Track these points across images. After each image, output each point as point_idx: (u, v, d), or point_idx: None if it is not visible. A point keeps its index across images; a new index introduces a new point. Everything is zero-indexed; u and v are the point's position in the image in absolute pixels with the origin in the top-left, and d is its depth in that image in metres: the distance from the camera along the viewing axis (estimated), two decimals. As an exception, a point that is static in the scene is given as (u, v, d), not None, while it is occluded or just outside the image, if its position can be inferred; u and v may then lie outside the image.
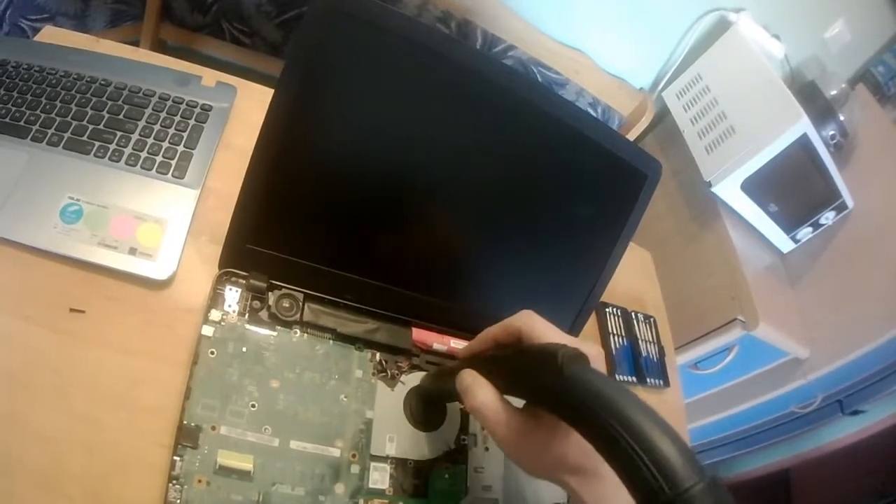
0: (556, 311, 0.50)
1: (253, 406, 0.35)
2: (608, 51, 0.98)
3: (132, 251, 0.39)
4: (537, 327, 0.31)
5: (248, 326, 0.37)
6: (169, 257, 0.39)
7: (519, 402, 0.30)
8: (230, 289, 0.38)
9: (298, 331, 0.39)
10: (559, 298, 0.51)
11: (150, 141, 0.44)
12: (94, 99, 0.44)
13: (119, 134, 0.43)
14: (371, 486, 0.37)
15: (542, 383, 0.26)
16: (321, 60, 0.34)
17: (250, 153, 0.35)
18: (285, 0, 0.91)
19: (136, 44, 0.87)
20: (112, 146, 0.42)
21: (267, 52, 0.98)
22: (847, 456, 1.18)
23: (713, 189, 0.92)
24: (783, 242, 1.04)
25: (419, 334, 0.43)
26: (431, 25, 0.91)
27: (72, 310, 0.36)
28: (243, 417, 0.35)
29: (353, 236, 0.40)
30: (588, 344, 0.30)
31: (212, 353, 0.36)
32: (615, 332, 0.63)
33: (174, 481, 0.31)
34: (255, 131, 0.35)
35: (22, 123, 0.41)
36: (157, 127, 0.45)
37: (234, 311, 0.37)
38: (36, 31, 0.49)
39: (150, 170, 0.43)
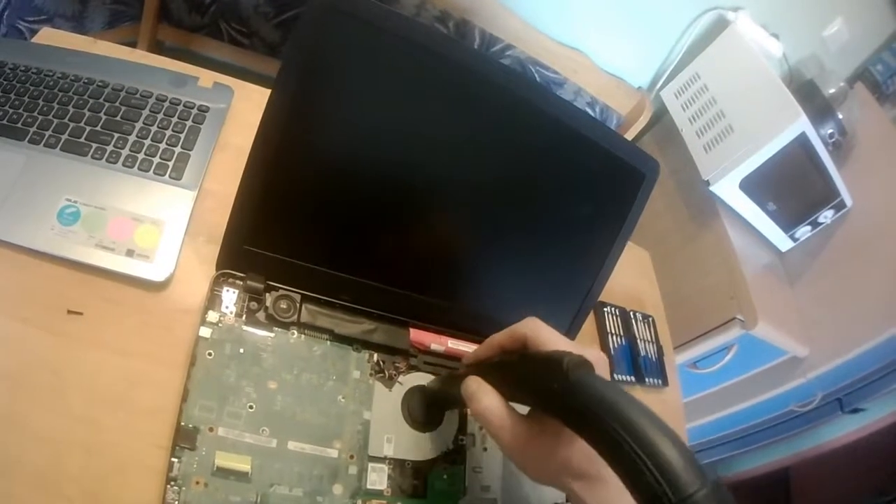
0: (555, 310, 0.51)
1: (251, 407, 0.35)
2: (606, 50, 0.98)
3: (129, 253, 0.39)
4: (542, 334, 0.31)
5: (245, 328, 0.38)
6: (166, 259, 0.39)
7: (523, 409, 0.31)
8: (227, 290, 0.38)
9: (296, 332, 0.39)
10: (557, 298, 0.51)
11: (147, 142, 0.44)
12: (91, 100, 0.44)
13: (116, 135, 0.43)
14: (369, 486, 0.37)
15: (547, 389, 0.26)
16: (318, 60, 0.34)
17: (247, 154, 0.35)
18: (283, 0, 0.91)
19: (133, 45, 0.88)
20: (109, 148, 0.42)
21: (265, 52, 0.98)
22: (846, 454, 1.18)
23: (711, 188, 0.92)
24: (782, 241, 1.04)
25: (417, 335, 0.43)
26: (429, 25, 0.91)
27: (69, 311, 0.36)
28: (241, 419, 0.35)
29: (350, 237, 0.40)
30: (592, 350, 0.31)
31: (209, 354, 0.36)
32: (613, 331, 0.63)
33: (172, 482, 0.31)
34: (253, 132, 0.35)
35: (19, 125, 0.41)
36: (154, 128, 0.45)
37: (231, 313, 0.37)
38: (34, 32, 0.49)
39: (147, 171, 0.43)
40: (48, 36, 0.48)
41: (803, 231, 1.01)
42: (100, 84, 0.45)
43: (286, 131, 0.35)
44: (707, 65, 0.99)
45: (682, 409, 0.66)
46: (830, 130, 0.97)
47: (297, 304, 0.39)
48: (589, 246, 0.49)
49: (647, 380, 0.62)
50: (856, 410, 1.09)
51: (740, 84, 0.92)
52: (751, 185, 0.91)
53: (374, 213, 0.40)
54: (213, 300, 0.37)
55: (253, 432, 0.35)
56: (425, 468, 0.39)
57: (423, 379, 0.43)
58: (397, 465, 0.39)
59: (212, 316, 0.37)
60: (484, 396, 0.30)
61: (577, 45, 0.96)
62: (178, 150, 0.44)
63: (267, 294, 0.38)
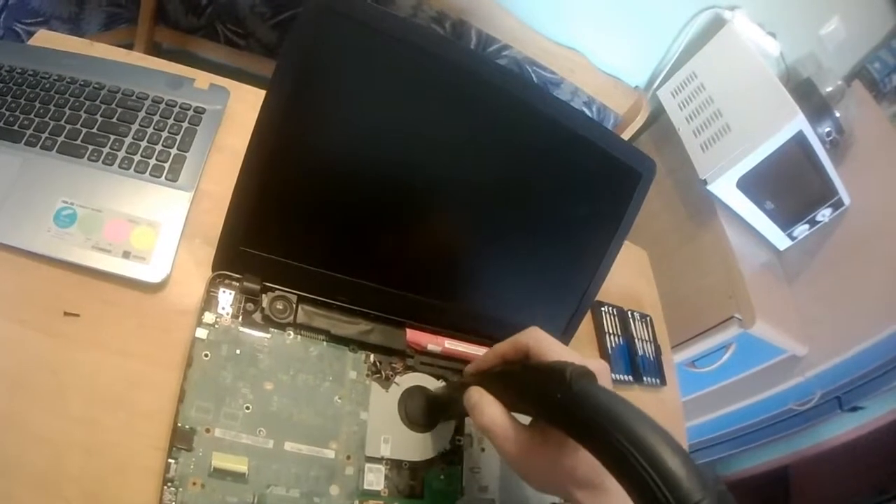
0: (552, 310, 0.51)
1: (247, 408, 0.35)
2: (603, 50, 0.98)
3: (126, 254, 0.39)
4: (544, 344, 0.31)
5: (241, 329, 0.38)
6: (163, 260, 0.39)
7: (525, 419, 0.31)
8: (224, 291, 0.38)
9: (292, 333, 0.39)
10: (554, 298, 0.51)
11: (144, 144, 0.44)
12: (87, 103, 0.44)
13: (112, 137, 0.43)
14: (366, 487, 0.37)
15: (551, 399, 0.26)
16: (314, 61, 0.34)
17: (243, 155, 0.35)
18: (280, 1, 0.91)
19: (130, 47, 0.88)
20: (105, 150, 0.43)
21: (262, 53, 0.98)
22: (846, 453, 1.18)
23: (709, 187, 0.92)
24: (780, 240, 1.04)
25: (413, 335, 0.43)
26: (425, 26, 0.91)
27: (66, 313, 0.36)
28: (237, 420, 0.35)
29: (346, 238, 0.40)
30: (594, 360, 0.31)
31: (206, 355, 0.36)
32: (611, 331, 0.63)
33: (169, 483, 0.31)
34: (249, 133, 0.35)
35: (16, 128, 0.41)
36: (150, 130, 0.45)
37: (227, 314, 0.37)
38: (30, 34, 0.49)
39: (143, 173, 0.43)
40: (45, 38, 0.49)
41: (801, 230, 1.01)
42: (96, 86, 0.45)
43: (282, 132, 0.35)
44: (704, 64, 0.99)
45: (680, 408, 0.66)
46: (828, 129, 0.97)
47: (294, 305, 0.39)
48: (586, 245, 0.49)
49: (645, 379, 0.62)
50: (855, 409, 1.09)
51: (737, 83, 0.93)
52: (748, 184, 0.91)
53: (370, 213, 0.40)
54: (209, 301, 0.37)
55: (250, 433, 0.35)
56: (422, 469, 0.40)
57: (420, 379, 0.43)
58: (394, 465, 0.39)
59: (208, 317, 0.37)
60: (486, 407, 0.30)
61: (573, 45, 0.96)
62: (174, 151, 0.44)
63: (263, 295, 0.39)
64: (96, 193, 0.40)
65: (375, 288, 0.41)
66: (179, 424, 0.33)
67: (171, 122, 0.46)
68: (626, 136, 0.98)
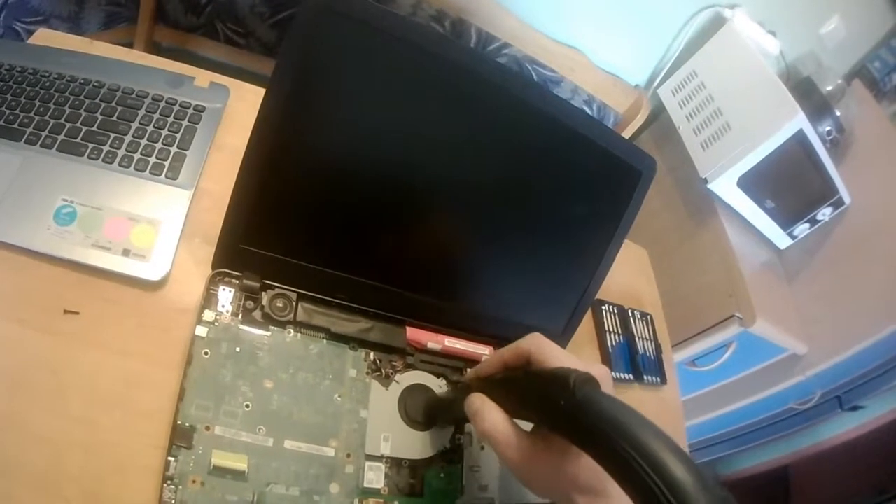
0: (552, 309, 0.51)
1: (247, 406, 0.35)
2: (603, 48, 0.98)
3: (126, 252, 0.39)
4: (546, 350, 0.31)
5: (241, 327, 0.38)
6: (162, 258, 0.39)
7: (526, 425, 0.31)
8: (224, 289, 0.38)
9: (292, 331, 0.39)
10: (555, 296, 0.51)
11: (144, 142, 0.44)
12: (87, 101, 0.44)
13: (112, 136, 0.43)
14: (366, 485, 0.37)
15: (553, 406, 0.26)
16: (313, 60, 0.34)
17: (243, 154, 0.35)
18: (279, 0, 0.91)
19: (130, 45, 0.88)
20: (105, 148, 0.43)
21: (261, 52, 0.98)
22: (846, 452, 1.18)
23: (709, 186, 0.92)
24: (780, 239, 1.04)
25: (413, 333, 0.43)
26: (425, 24, 0.91)
27: (66, 311, 0.36)
28: (237, 418, 0.35)
29: (346, 236, 0.40)
30: (596, 365, 0.31)
31: (205, 353, 0.36)
32: (611, 329, 0.63)
33: (169, 482, 0.31)
34: (249, 132, 0.35)
35: (16, 126, 0.41)
36: (150, 128, 0.45)
37: (227, 312, 0.37)
38: (30, 33, 0.49)
39: (143, 171, 0.43)
40: (45, 37, 0.49)
41: (802, 228, 1.01)
42: (96, 84, 0.45)
43: (281, 131, 0.35)
44: (704, 62, 0.99)
45: (680, 407, 0.66)
46: (828, 127, 0.97)
47: (294, 303, 0.39)
48: (586, 244, 0.49)
49: (645, 378, 0.62)
50: (855, 408, 1.09)
51: (737, 81, 0.93)
52: (749, 183, 0.91)
53: (370, 211, 0.40)
54: (209, 299, 0.37)
55: (249, 431, 0.35)
56: (422, 467, 0.40)
57: (420, 378, 0.43)
58: (394, 463, 0.39)
59: (208, 315, 0.37)
60: (488, 413, 0.30)
61: (573, 44, 0.96)
62: (174, 149, 0.44)
63: (263, 293, 0.39)
64: (96, 191, 0.40)
65: (375, 286, 0.41)
66: (179, 422, 0.33)
67: (171, 120, 0.46)
68: (626, 134, 0.98)
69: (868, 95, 1.09)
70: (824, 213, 0.98)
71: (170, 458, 0.32)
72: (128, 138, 0.44)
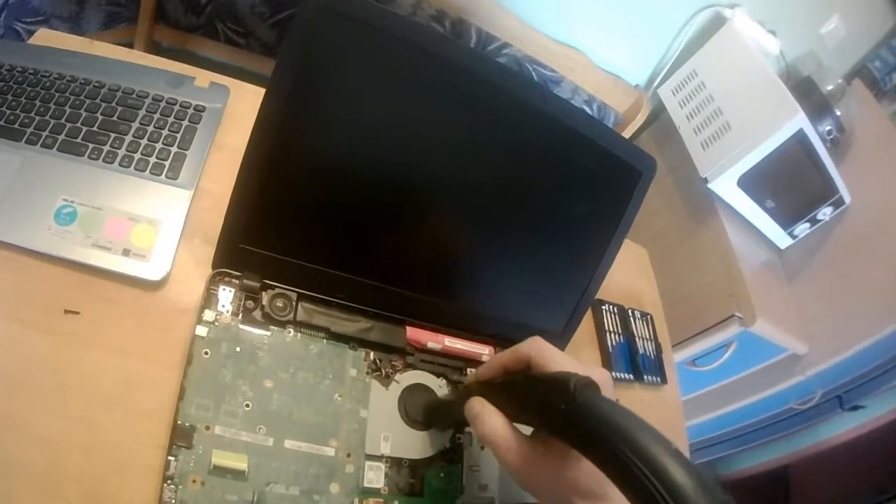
0: (552, 308, 0.51)
1: (247, 406, 0.35)
2: (603, 48, 0.98)
3: (126, 252, 0.39)
4: (546, 354, 0.31)
5: (241, 326, 0.38)
6: (163, 258, 0.39)
7: (526, 429, 0.31)
8: (224, 289, 0.38)
9: (292, 330, 0.39)
10: (555, 296, 0.51)
11: (144, 142, 0.44)
12: (87, 101, 0.44)
13: (113, 136, 0.43)
14: (366, 485, 0.37)
15: (554, 410, 0.26)
16: (313, 60, 0.34)
17: (243, 154, 0.35)
18: (279, 0, 0.91)
19: (130, 45, 0.88)
20: (106, 148, 0.43)
21: (261, 52, 0.98)
22: (846, 452, 1.18)
23: (709, 185, 0.92)
24: (780, 238, 1.04)
25: (413, 333, 0.43)
26: (425, 24, 0.91)
27: (66, 311, 0.36)
28: (237, 417, 0.35)
29: (346, 235, 0.40)
30: (596, 369, 0.31)
31: (206, 353, 0.36)
32: (612, 329, 0.63)
33: (169, 481, 0.31)
34: (249, 132, 0.35)
35: (16, 126, 0.41)
36: (150, 128, 0.45)
37: (227, 312, 0.37)
38: (30, 33, 0.49)
39: (143, 171, 0.43)
40: (45, 37, 0.49)
41: (802, 228, 1.01)
42: (96, 84, 0.45)
43: (281, 130, 0.35)
44: (704, 62, 0.99)
45: (680, 407, 0.66)
46: (828, 127, 0.97)
47: (294, 303, 0.39)
48: (586, 244, 0.49)
49: (645, 378, 0.62)
50: (855, 408, 1.09)
51: (737, 81, 0.93)
52: (749, 183, 0.91)
53: (370, 211, 0.40)
54: (209, 299, 0.37)
55: (249, 431, 0.35)
56: (422, 466, 0.40)
57: (420, 377, 0.43)
58: (394, 463, 0.39)
59: (208, 315, 0.37)
60: (488, 418, 0.30)
61: (574, 44, 0.96)
62: (174, 149, 0.44)
63: (263, 293, 0.39)
64: (96, 191, 0.40)
65: (375, 286, 0.41)
66: (179, 422, 0.33)
67: (171, 120, 0.46)
68: (626, 134, 0.98)
69: (868, 95, 1.09)
70: (824, 213, 0.98)
71: (170, 458, 0.32)
72: (128, 138, 0.44)
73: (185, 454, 0.32)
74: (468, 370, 0.46)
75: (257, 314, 0.38)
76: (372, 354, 0.41)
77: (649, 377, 0.63)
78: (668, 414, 0.64)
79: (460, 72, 0.37)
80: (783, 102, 0.84)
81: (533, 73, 1.02)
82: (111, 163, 0.42)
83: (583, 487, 0.28)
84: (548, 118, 0.41)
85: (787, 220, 1.00)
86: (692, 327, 0.96)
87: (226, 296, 0.38)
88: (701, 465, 1.38)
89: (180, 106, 0.47)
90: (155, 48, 0.94)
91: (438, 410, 0.40)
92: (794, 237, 1.03)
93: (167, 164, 0.43)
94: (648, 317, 0.68)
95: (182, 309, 0.39)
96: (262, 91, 0.34)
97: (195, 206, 0.43)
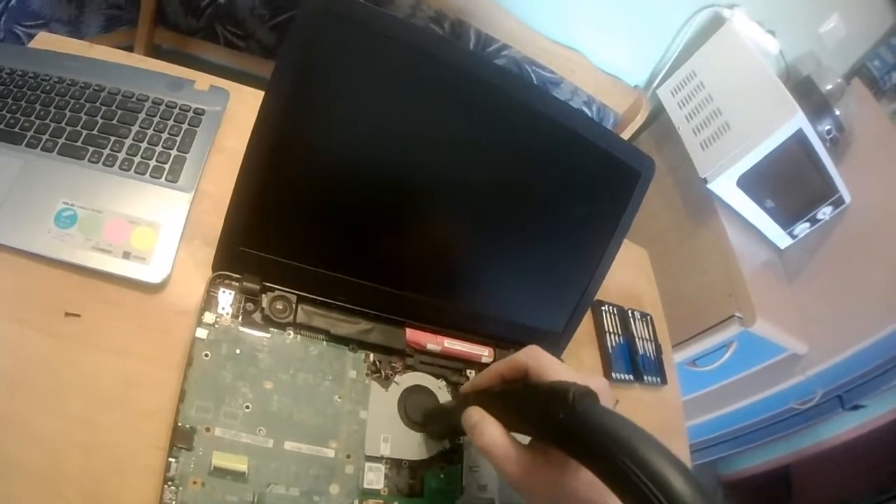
0: (551, 309, 0.51)
1: (247, 407, 0.35)
2: (603, 49, 0.98)
3: (126, 255, 0.39)
4: (544, 363, 0.31)
5: (241, 328, 0.38)
6: (163, 261, 0.40)
7: (523, 438, 0.30)
8: (224, 291, 0.38)
9: (292, 332, 0.39)
10: (554, 297, 0.51)
11: (144, 145, 0.44)
12: (87, 104, 0.45)
13: (113, 139, 0.43)
14: (366, 486, 0.37)
15: (553, 420, 0.26)
16: (312, 62, 0.34)
17: (243, 156, 0.36)
18: (279, 3, 0.91)
19: (130, 49, 0.88)
20: (106, 151, 0.43)
21: (261, 55, 0.98)
22: (847, 452, 1.18)
23: (709, 186, 0.92)
24: (780, 238, 1.04)
25: (413, 334, 0.43)
26: (423, 26, 0.91)
27: (67, 314, 0.36)
28: (237, 419, 0.35)
29: (346, 238, 0.40)
30: (594, 378, 0.31)
31: (206, 355, 0.36)
32: (611, 330, 0.63)
33: (169, 482, 0.31)
34: (248, 135, 0.35)
35: (16, 130, 0.42)
36: (150, 131, 0.45)
37: (227, 314, 0.38)
38: (31, 37, 0.49)
39: (143, 174, 0.43)
40: (45, 40, 0.49)
41: (802, 228, 1.01)
42: (96, 88, 0.46)
43: (281, 133, 0.35)
44: (703, 62, 0.99)
45: (681, 407, 0.66)
46: (828, 127, 0.97)
47: (293, 305, 0.39)
48: (585, 245, 0.49)
49: (645, 378, 0.62)
50: (856, 407, 1.09)
51: (737, 81, 0.93)
52: (748, 183, 0.91)
53: (370, 213, 0.40)
54: (209, 301, 0.37)
55: (249, 432, 0.35)
56: (422, 467, 0.40)
57: (419, 379, 0.43)
58: (394, 464, 0.39)
59: (208, 317, 0.37)
60: (486, 428, 0.30)
61: (573, 45, 0.96)
62: (174, 152, 0.45)
63: (263, 295, 0.39)
64: (97, 194, 0.41)
65: (375, 287, 0.42)
66: (180, 424, 0.33)
67: (171, 123, 0.46)
68: (625, 135, 0.98)
69: (868, 94, 1.09)
70: (824, 213, 0.98)
71: (170, 460, 0.32)
72: (128, 142, 0.44)
73: (186, 456, 0.32)
74: (468, 372, 0.46)
75: (257, 316, 0.38)
76: (372, 356, 0.41)
77: (649, 378, 0.63)
78: (669, 414, 0.64)
79: (459, 74, 0.37)
80: (782, 102, 0.84)
81: (532, 75, 1.02)
82: (111, 166, 0.42)
83: (582, 497, 0.28)
84: (547, 120, 0.41)
85: (786, 220, 1.00)
86: (692, 327, 0.96)
87: (226, 298, 0.38)
88: (702, 465, 1.38)
89: (180, 109, 0.47)
90: (155, 51, 0.94)
91: (435, 419, 0.40)
92: (793, 237, 1.03)
93: (167, 167, 0.44)
94: (648, 317, 0.68)
95: (182, 311, 0.39)
96: (261, 94, 0.34)
97: (195, 208, 0.43)
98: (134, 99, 0.46)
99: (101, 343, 0.36)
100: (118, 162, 0.43)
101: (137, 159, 0.43)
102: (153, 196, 0.42)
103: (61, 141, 0.42)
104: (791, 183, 0.94)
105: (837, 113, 0.97)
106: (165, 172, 0.43)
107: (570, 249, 0.49)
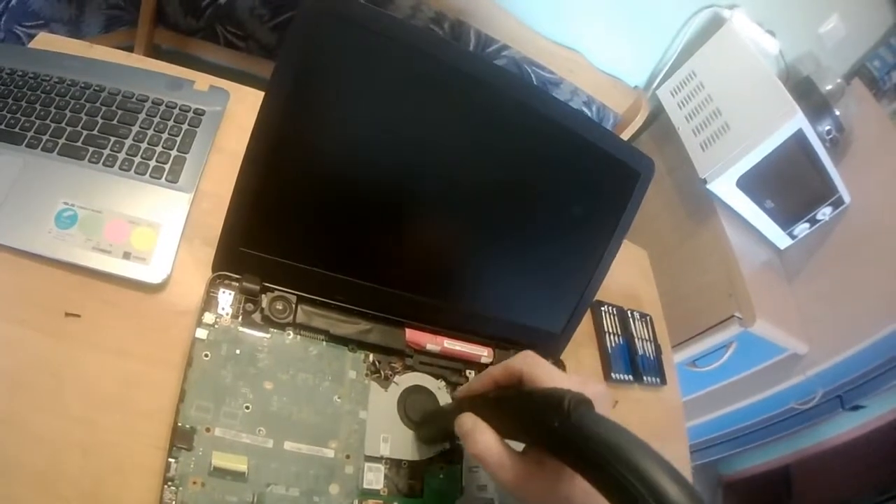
0: (551, 310, 0.51)
1: (247, 408, 0.36)
2: (602, 49, 0.98)
3: (126, 255, 0.39)
4: (539, 369, 0.31)
5: (241, 329, 0.38)
6: (163, 261, 0.40)
7: (517, 445, 0.30)
8: (223, 291, 0.38)
9: (292, 332, 0.39)
10: (554, 297, 0.51)
11: (144, 146, 0.44)
12: (87, 105, 0.45)
13: (113, 139, 0.44)
14: (366, 486, 0.37)
15: (547, 427, 0.26)
16: (312, 62, 0.34)
17: (243, 156, 0.36)
18: (279, 3, 0.91)
19: (130, 49, 0.88)
20: (106, 151, 0.43)
21: (261, 55, 0.98)
22: (847, 452, 1.18)
23: (709, 186, 0.92)
24: (780, 239, 1.04)
25: (413, 335, 0.43)
26: (424, 27, 0.91)
27: (67, 314, 0.36)
28: (237, 419, 0.35)
29: (345, 238, 0.40)
30: (591, 384, 0.30)
31: (206, 355, 0.36)
32: (611, 330, 0.63)
33: (169, 483, 0.31)
34: (248, 135, 0.35)
35: (17, 130, 0.42)
36: (150, 132, 0.45)
37: (227, 314, 0.38)
38: (31, 37, 0.49)
39: (143, 174, 0.43)
40: (45, 41, 0.49)
41: (801, 228, 1.01)
42: (96, 88, 0.46)
43: (280, 133, 0.35)
44: (703, 63, 0.99)
45: (681, 407, 0.66)
46: (828, 127, 0.97)
47: (293, 305, 0.39)
48: (585, 245, 0.49)
49: (645, 378, 0.62)
50: (856, 407, 1.09)
51: (737, 82, 0.93)
52: (748, 183, 0.91)
53: (370, 214, 0.40)
54: (209, 302, 0.38)
55: (249, 432, 0.35)
56: (422, 468, 0.40)
57: (419, 379, 0.43)
58: (394, 464, 0.39)
59: (208, 317, 0.37)
60: (480, 435, 0.30)
61: (573, 45, 0.96)
62: (174, 153, 0.45)
63: (263, 295, 0.39)
64: (97, 195, 0.41)
65: (374, 288, 0.42)
66: (180, 424, 0.33)
67: (170, 123, 0.46)
68: (625, 135, 0.98)
69: (868, 94, 1.09)
70: (824, 213, 0.98)
71: (170, 460, 0.32)
72: (128, 142, 0.44)
73: (186, 456, 0.32)
74: (467, 372, 0.46)
75: (257, 317, 0.38)
76: (371, 356, 0.42)
77: (649, 378, 0.63)
78: (668, 415, 0.64)
79: (459, 74, 0.37)
80: (782, 103, 0.84)
81: (532, 75, 1.02)
82: (111, 166, 0.42)
83: None
84: (547, 120, 0.41)
85: (786, 221, 1.00)
86: (692, 328, 0.96)
87: (226, 298, 0.38)
88: (702, 465, 1.38)
89: (180, 109, 0.47)
90: (155, 51, 0.94)
91: (429, 423, 0.40)
92: (793, 237, 1.03)
93: (167, 167, 0.44)
94: (648, 318, 0.68)
95: (182, 311, 0.39)
96: (261, 94, 0.34)
97: (195, 208, 0.43)
98: (134, 99, 0.46)
99: (101, 343, 0.36)
100: (118, 162, 0.43)
101: (137, 159, 0.43)
102: (153, 196, 0.42)
103: (61, 141, 0.42)
104: (791, 183, 0.94)
105: (837, 113, 0.97)
106: (165, 173, 0.43)
107: (569, 250, 0.49)
